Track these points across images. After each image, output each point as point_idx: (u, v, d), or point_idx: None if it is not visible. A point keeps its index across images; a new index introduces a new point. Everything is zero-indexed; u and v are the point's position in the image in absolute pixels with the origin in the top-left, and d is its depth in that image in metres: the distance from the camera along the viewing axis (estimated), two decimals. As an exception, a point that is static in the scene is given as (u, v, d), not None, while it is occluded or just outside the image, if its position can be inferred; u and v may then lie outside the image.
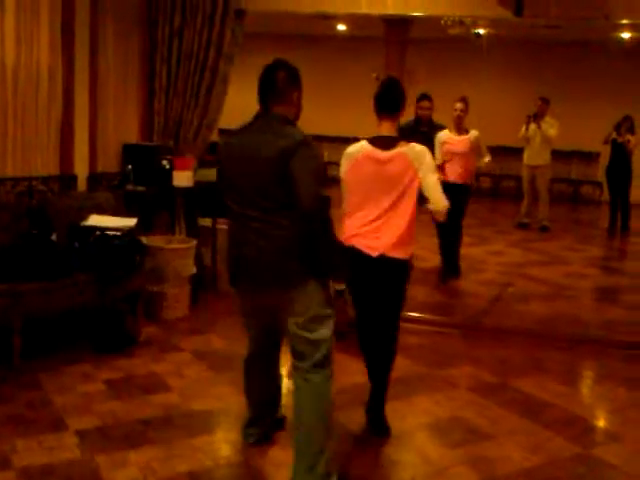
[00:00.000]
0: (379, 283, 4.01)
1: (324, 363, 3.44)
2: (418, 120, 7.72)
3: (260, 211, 3.28)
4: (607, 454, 4.06)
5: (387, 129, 3.99)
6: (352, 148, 4.06)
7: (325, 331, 3.43)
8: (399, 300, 4.12)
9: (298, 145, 3.20)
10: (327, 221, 3.22)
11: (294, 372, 3.50)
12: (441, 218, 4.07)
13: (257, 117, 3.42)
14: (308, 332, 3.39)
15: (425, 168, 3.92)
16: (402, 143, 3.96)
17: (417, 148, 3.94)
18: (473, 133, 7.79)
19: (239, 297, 3.62)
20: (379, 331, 4.14)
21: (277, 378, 4.02)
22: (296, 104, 3.44)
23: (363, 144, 4.02)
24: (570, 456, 4.02)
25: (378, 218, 3.95)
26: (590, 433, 4.45)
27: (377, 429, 4.19)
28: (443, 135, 7.68)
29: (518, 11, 6.16)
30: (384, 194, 3.92)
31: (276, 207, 3.25)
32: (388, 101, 4.00)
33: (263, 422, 3.97)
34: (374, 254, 3.94)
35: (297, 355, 3.46)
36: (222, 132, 10.42)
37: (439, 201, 3.97)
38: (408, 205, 3.94)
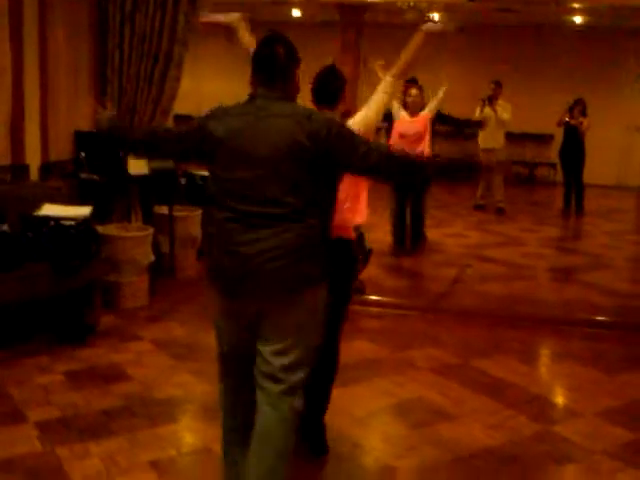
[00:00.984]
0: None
1: (299, 387, 2.99)
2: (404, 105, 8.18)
3: (278, 207, 2.80)
4: (567, 431, 4.13)
5: None
6: None
7: (312, 348, 3.02)
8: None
9: (329, 123, 2.88)
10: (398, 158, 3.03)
11: (261, 395, 2.97)
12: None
13: (256, 97, 2.96)
14: (297, 348, 2.94)
15: (364, 110, 3.75)
16: None
17: (350, 122, 3.65)
18: (423, 113, 8.06)
19: (227, 307, 3.00)
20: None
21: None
22: (297, 82, 3.04)
23: None
24: (531, 434, 4.07)
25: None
26: (550, 410, 4.52)
27: (319, 448, 3.78)
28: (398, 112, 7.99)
29: (472, -6, 6.19)
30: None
31: (300, 203, 2.81)
32: (326, 92, 3.69)
33: None
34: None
35: (271, 376, 2.94)
36: (177, 118, 10.28)
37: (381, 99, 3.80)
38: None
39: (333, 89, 3.69)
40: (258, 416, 2.98)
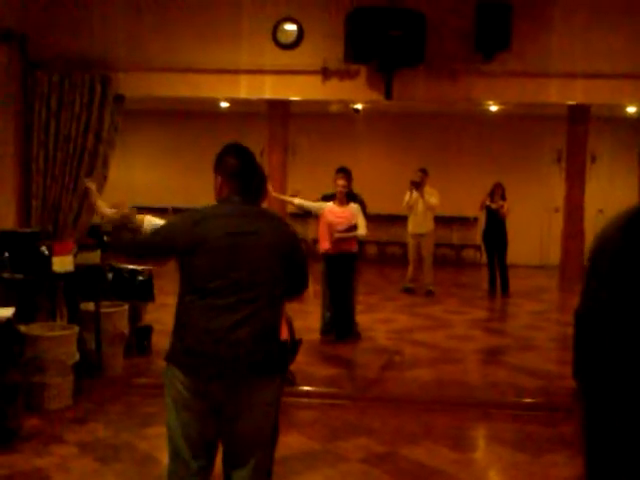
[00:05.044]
0: None
1: (270, 469, 3.30)
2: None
3: (259, 295, 3.16)
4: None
5: None
6: None
7: (273, 428, 3.29)
8: None
9: (294, 233, 3.45)
10: None
11: None
12: None
13: (235, 203, 3.31)
14: (265, 429, 3.23)
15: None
16: None
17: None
18: (353, 205, 8.14)
19: (200, 393, 3.14)
20: None
21: None
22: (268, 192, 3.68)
23: None
24: (461, 522, 4.10)
25: None
26: (479, 497, 4.56)
27: None
28: (327, 206, 8.13)
29: (388, 95, 6.47)
30: None
31: (277, 291, 3.25)
32: (253, 190, 3.73)
33: None
34: None
35: (240, 460, 3.20)
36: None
37: None
38: None
39: (256, 188, 3.78)
40: None
